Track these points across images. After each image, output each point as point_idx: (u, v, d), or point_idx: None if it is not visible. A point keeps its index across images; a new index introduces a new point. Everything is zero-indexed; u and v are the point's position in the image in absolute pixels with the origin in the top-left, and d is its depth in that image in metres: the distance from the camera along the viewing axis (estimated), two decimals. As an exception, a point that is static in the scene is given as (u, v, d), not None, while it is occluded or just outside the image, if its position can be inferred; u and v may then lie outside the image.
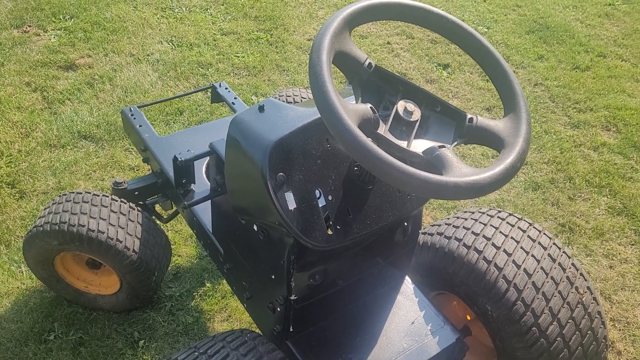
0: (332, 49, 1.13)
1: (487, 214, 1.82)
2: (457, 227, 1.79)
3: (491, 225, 1.76)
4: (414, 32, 4.25)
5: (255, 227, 1.49)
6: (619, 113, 3.60)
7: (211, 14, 4.23)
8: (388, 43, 4.15)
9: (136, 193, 2.13)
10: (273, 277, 1.50)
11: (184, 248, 2.47)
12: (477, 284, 1.64)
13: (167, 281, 2.34)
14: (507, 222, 1.77)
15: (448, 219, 1.88)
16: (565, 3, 4.99)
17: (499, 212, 1.83)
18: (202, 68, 3.63)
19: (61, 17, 3.97)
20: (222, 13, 4.26)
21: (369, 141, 1.02)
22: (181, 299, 2.28)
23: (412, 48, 4.09)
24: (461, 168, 1.10)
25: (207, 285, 2.33)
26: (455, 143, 1.24)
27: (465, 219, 1.82)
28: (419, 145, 1.21)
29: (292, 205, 1.30)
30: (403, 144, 1.19)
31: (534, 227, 1.76)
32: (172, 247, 2.43)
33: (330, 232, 1.35)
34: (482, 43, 1.28)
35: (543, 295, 1.59)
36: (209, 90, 2.70)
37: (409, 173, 1.01)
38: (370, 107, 1.15)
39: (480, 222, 1.78)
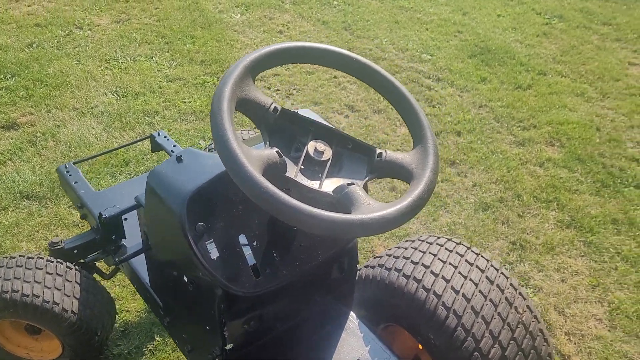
0: (233, 98, 1.14)
1: (427, 242, 1.82)
2: (397, 257, 1.78)
3: (430, 252, 1.75)
4: (359, 64, 4.32)
5: (185, 279, 1.47)
6: (561, 128, 3.70)
7: (156, 62, 4.24)
8: (335, 77, 4.20)
9: (75, 251, 2.07)
10: (207, 327, 1.47)
11: (132, 303, 2.41)
12: (418, 313, 1.62)
13: (115, 339, 2.26)
14: (446, 248, 1.77)
15: (390, 249, 1.88)
16: (505, 25, 5.15)
17: (438, 238, 1.83)
18: (148, 117, 3.61)
19: (2, 76, 3.92)
20: (167, 60, 4.27)
21: (271, 186, 1.02)
22: (130, 357, 2.21)
23: (358, 80, 4.14)
24: (369, 204, 1.10)
25: (157, 339, 2.27)
26: (367, 178, 1.24)
27: (405, 249, 1.82)
28: (331, 185, 1.21)
29: (214, 254, 1.28)
30: (315, 184, 1.19)
31: (471, 251, 1.76)
32: (120, 302, 2.38)
33: (257, 277, 1.33)
34: (386, 78, 1.30)
35: (483, 319, 1.58)
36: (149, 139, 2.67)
37: (312, 214, 1.01)
38: (277, 151, 1.15)
39: (419, 251, 1.77)
